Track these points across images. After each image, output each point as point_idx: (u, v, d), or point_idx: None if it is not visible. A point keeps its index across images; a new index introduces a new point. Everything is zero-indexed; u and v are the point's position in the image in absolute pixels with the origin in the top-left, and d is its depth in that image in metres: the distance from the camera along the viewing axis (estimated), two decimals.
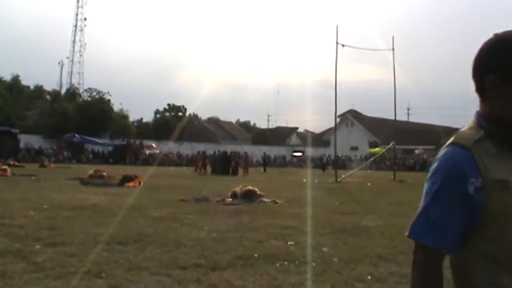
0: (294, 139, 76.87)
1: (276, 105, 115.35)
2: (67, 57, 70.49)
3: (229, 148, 43.09)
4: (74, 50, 70.47)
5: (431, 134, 54.49)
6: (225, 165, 29.12)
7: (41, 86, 65.89)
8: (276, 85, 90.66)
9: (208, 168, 29.82)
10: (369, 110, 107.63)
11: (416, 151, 51.07)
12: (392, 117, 29.70)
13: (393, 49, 25.90)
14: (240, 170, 29.09)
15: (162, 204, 10.10)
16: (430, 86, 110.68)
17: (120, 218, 7.84)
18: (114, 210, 8.86)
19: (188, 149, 48.78)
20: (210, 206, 10.17)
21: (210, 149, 45.67)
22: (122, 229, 6.68)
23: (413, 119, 74.47)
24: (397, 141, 28.89)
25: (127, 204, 9.82)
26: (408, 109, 76.97)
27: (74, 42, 70.55)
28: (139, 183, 15.79)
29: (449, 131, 55.93)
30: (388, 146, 29.98)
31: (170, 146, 52.35)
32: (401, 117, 66.53)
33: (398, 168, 36.71)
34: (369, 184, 20.67)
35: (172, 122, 61.80)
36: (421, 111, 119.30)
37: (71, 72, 69.95)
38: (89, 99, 58.78)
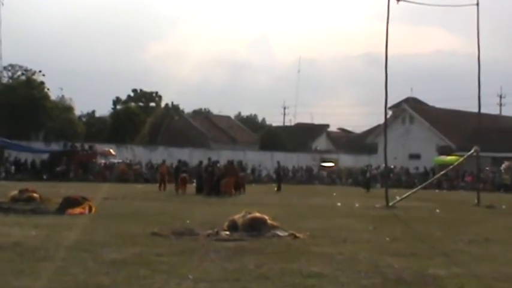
0: (322, 142, 76.97)
1: (296, 91, 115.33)
2: None
3: (226, 154, 43.21)
4: None
5: None
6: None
7: None
8: (295, 61, 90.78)
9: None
10: (437, 99, 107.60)
11: (503, 165, 49.81)
12: (474, 109, 29.58)
13: (477, 4, 25.74)
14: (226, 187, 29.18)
15: (125, 241, 10.16)
16: None
17: (59, 262, 7.87)
18: (50, 250, 8.89)
19: (164, 156, 48.79)
20: (197, 243, 10.23)
21: (198, 156, 45.74)
22: (62, 279, 6.70)
23: (508, 111, 74.34)
24: (482, 145, 28.72)
25: (70, 241, 9.86)
26: (500, 97, 76.91)
27: None
28: (90, 209, 15.88)
29: None
30: (468, 153, 29.77)
31: (137, 153, 52.50)
32: (489, 109, 66.28)
33: (484, 187, 36.54)
34: (437, 211, 20.72)
35: (140, 116, 62.12)
36: None
37: None
38: (10, 81, 59.11)
